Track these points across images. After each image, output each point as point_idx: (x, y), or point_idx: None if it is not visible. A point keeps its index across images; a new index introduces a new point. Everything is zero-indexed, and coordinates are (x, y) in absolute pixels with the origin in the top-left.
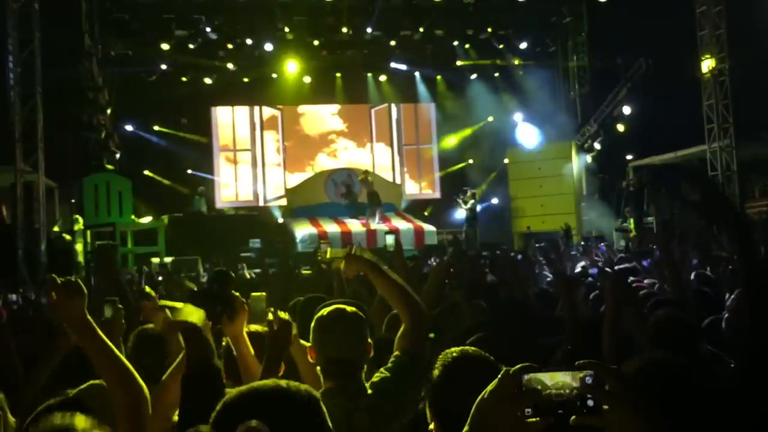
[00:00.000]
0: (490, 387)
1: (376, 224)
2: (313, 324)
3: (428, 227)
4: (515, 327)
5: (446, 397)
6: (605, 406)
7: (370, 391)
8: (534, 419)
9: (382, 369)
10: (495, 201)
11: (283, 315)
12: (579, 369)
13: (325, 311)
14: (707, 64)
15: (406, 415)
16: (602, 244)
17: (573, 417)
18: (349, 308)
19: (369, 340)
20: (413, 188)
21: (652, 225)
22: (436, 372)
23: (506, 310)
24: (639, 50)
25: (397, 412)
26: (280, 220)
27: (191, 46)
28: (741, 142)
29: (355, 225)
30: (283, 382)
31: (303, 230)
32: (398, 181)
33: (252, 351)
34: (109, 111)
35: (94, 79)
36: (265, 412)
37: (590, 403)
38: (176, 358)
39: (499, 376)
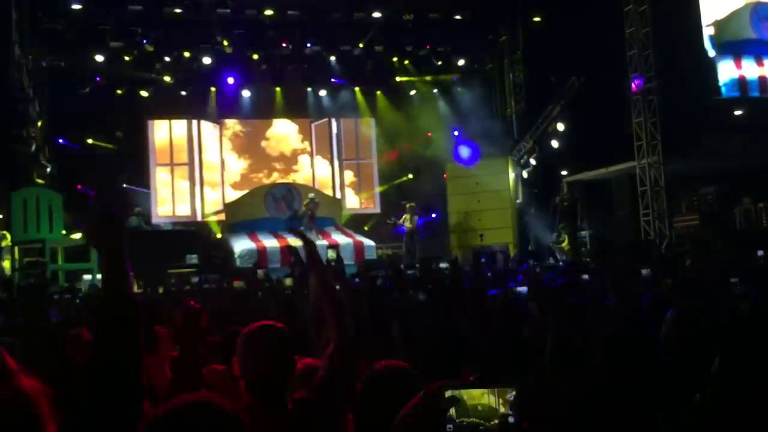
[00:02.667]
0: (411, 402)
1: (315, 239)
2: (239, 340)
3: (368, 242)
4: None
5: (368, 407)
6: (525, 424)
7: (290, 407)
8: None
9: (304, 390)
10: (434, 215)
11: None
12: (501, 386)
13: (250, 330)
14: (636, 83)
15: None
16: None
17: None
18: (277, 325)
19: (295, 357)
20: (353, 203)
21: (585, 239)
22: (360, 385)
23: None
24: (572, 68)
25: (317, 430)
26: (219, 235)
27: (127, 58)
28: (668, 158)
29: (294, 240)
30: (208, 400)
31: (242, 245)
32: (338, 195)
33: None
34: (39, 123)
35: (24, 91)
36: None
37: (511, 419)
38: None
39: (422, 393)
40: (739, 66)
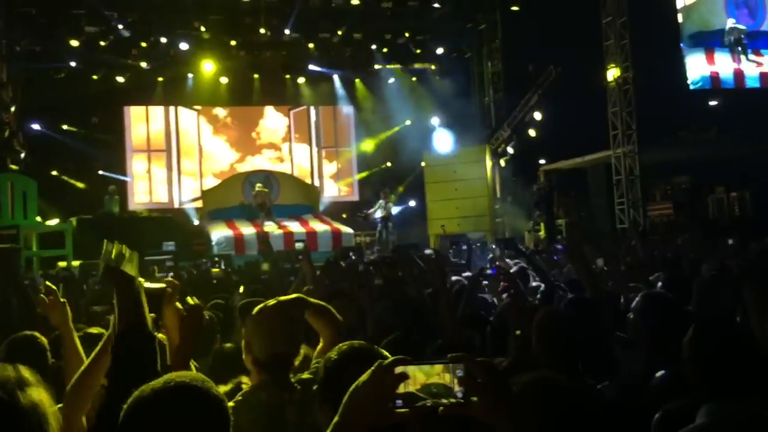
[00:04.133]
0: (363, 377)
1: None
2: (254, 319)
3: (346, 229)
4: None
5: (335, 385)
6: (474, 398)
7: (298, 387)
8: (403, 410)
9: (306, 372)
10: (412, 203)
11: (192, 300)
12: (451, 362)
13: (267, 306)
14: (612, 73)
15: None
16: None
17: (441, 408)
18: (270, 302)
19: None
20: (332, 190)
21: (562, 228)
22: (323, 365)
23: (399, 310)
24: (549, 58)
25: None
26: (196, 223)
27: (102, 43)
28: (643, 148)
29: (272, 227)
30: (195, 380)
31: (219, 232)
32: (317, 183)
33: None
34: (13, 109)
35: None
36: (175, 412)
37: (459, 394)
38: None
39: (372, 367)
40: (711, 61)
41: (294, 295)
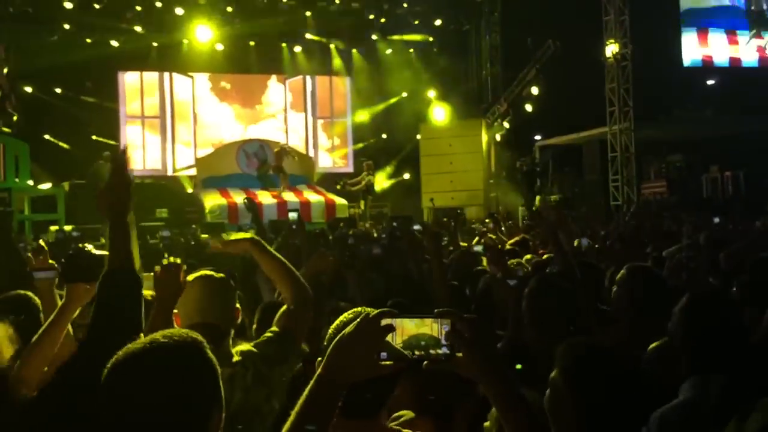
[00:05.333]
0: (348, 329)
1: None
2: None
3: (339, 200)
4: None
5: None
6: (459, 354)
7: (236, 359)
8: (387, 362)
9: (251, 343)
10: (407, 176)
11: (173, 259)
12: (438, 317)
13: (190, 277)
14: (611, 49)
15: (265, 389)
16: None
17: (425, 363)
18: (216, 274)
19: (237, 306)
20: (327, 161)
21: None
22: (330, 331)
23: (397, 282)
24: (548, 32)
25: (256, 383)
26: (190, 190)
27: (96, 6)
28: (639, 125)
29: (266, 197)
30: (163, 337)
31: (213, 201)
32: (311, 153)
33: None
34: (6, 71)
35: None
36: (160, 371)
37: (444, 350)
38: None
39: (358, 319)
40: (704, 41)
41: (248, 234)
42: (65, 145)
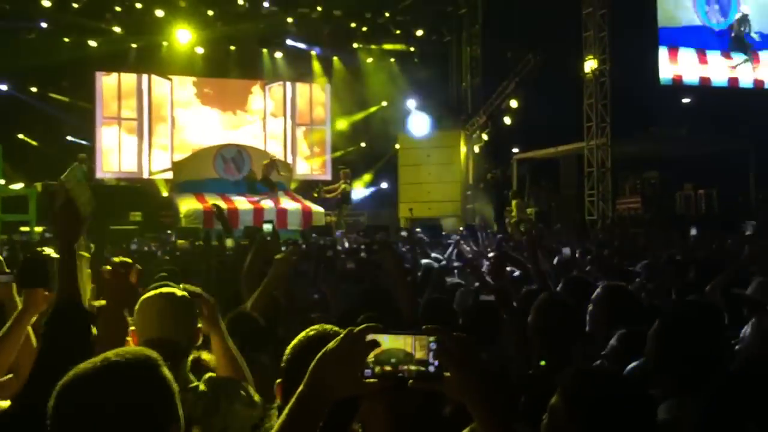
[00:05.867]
0: (331, 345)
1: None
2: (137, 307)
3: (316, 208)
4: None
5: (300, 371)
6: (446, 373)
7: (195, 384)
8: (372, 380)
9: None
10: (384, 185)
11: (119, 259)
12: (422, 333)
13: (150, 293)
14: (590, 65)
15: (220, 424)
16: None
17: (411, 381)
18: (178, 292)
19: (199, 325)
20: (305, 168)
21: (532, 216)
22: (290, 348)
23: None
24: (529, 45)
25: (205, 415)
26: (165, 194)
27: (75, 5)
28: (616, 141)
29: (241, 202)
30: (116, 355)
31: (188, 205)
32: (289, 160)
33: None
34: None
35: None
36: (110, 392)
37: (431, 368)
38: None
39: (341, 336)
40: (674, 59)
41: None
42: (39, 145)
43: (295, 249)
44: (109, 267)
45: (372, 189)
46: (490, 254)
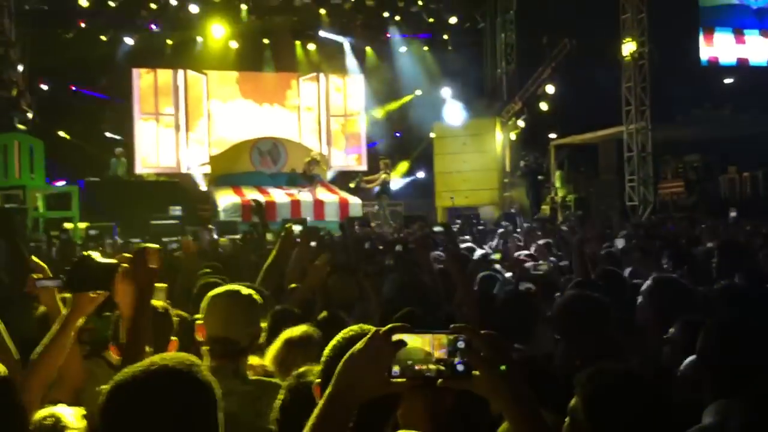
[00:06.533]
0: (358, 346)
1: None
2: (205, 302)
3: (353, 199)
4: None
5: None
6: (475, 372)
7: (253, 378)
8: (400, 380)
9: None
10: (420, 175)
11: (143, 245)
12: (454, 332)
13: (218, 290)
14: (628, 48)
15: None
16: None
17: (440, 380)
18: (244, 290)
19: (262, 325)
20: (340, 159)
21: (571, 203)
22: (328, 349)
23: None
24: (564, 30)
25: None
26: (203, 188)
27: (111, 3)
28: (656, 125)
29: (279, 195)
30: (181, 362)
31: (226, 198)
32: (325, 151)
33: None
34: (21, 68)
35: (6, 34)
36: (157, 397)
37: (460, 367)
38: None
39: (368, 335)
40: (710, 41)
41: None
42: (80, 142)
43: (325, 257)
44: (128, 255)
45: (408, 179)
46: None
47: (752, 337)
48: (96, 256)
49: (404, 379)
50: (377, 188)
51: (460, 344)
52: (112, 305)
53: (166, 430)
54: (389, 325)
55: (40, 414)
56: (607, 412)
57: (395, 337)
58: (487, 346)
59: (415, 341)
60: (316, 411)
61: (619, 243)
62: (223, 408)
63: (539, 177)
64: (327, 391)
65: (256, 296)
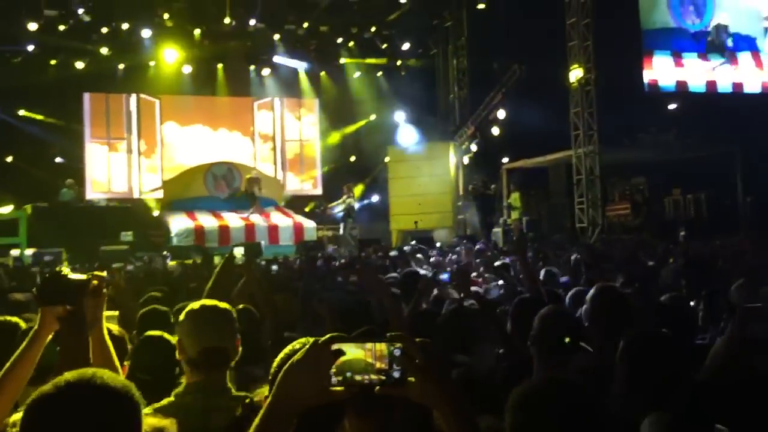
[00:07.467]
0: (297, 356)
1: (252, 217)
2: (183, 317)
3: (308, 223)
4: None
5: None
6: (411, 378)
7: (235, 393)
8: (338, 388)
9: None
10: (375, 199)
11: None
12: (389, 341)
13: (198, 304)
14: (575, 74)
15: None
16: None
17: (377, 387)
18: (221, 304)
19: (238, 335)
20: (295, 184)
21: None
22: (276, 361)
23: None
24: (514, 56)
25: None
26: (156, 213)
27: (62, 27)
28: (604, 148)
29: (233, 219)
30: (96, 375)
31: (179, 223)
32: (279, 176)
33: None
34: None
35: None
36: (76, 412)
37: (396, 374)
38: None
39: (308, 345)
40: (649, 64)
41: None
42: (28, 168)
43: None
44: (99, 273)
45: (363, 203)
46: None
47: (664, 354)
48: (67, 271)
49: (342, 388)
50: (341, 213)
51: (396, 352)
52: (82, 321)
53: None
54: (327, 335)
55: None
56: (530, 416)
57: (334, 347)
58: (421, 353)
59: (357, 353)
60: (257, 419)
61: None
62: (209, 423)
63: (488, 199)
64: (267, 400)
65: (232, 309)
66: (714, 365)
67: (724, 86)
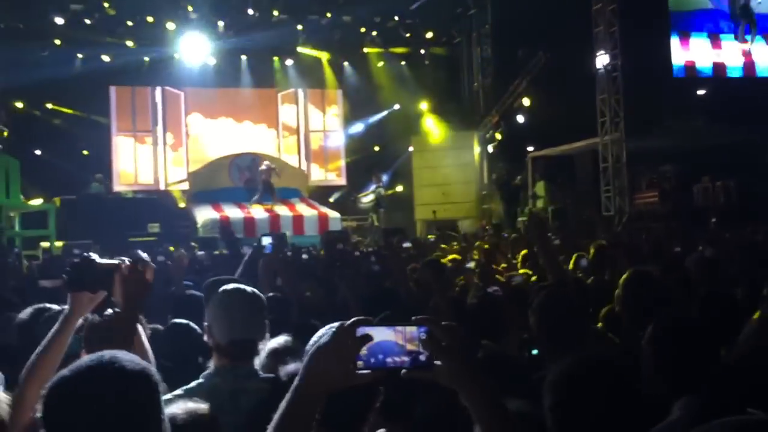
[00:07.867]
0: (323, 339)
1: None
2: (215, 302)
3: (333, 214)
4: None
5: None
6: (437, 361)
7: (263, 375)
8: (365, 371)
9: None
10: (399, 189)
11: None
12: (413, 324)
13: (227, 290)
14: (601, 60)
15: None
16: None
17: (403, 371)
18: (248, 288)
19: (266, 321)
20: (319, 174)
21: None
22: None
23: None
24: (539, 44)
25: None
26: (182, 205)
27: (88, 21)
28: (631, 136)
29: (258, 211)
30: (115, 358)
31: (205, 215)
32: (304, 167)
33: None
34: None
35: None
36: (95, 395)
37: (422, 357)
38: None
39: (334, 329)
40: (686, 46)
41: None
42: (55, 160)
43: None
44: (128, 261)
45: (387, 192)
46: None
47: (693, 339)
48: (95, 257)
49: (369, 371)
50: (370, 198)
51: (422, 335)
52: (112, 305)
53: (108, 423)
54: (354, 319)
55: None
56: (573, 397)
57: (362, 332)
58: (447, 335)
59: (388, 335)
60: (283, 403)
61: (582, 262)
62: (238, 405)
63: (513, 188)
64: (294, 384)
65: (260, 294)
66: (745, 347)
67: (763, 66)
